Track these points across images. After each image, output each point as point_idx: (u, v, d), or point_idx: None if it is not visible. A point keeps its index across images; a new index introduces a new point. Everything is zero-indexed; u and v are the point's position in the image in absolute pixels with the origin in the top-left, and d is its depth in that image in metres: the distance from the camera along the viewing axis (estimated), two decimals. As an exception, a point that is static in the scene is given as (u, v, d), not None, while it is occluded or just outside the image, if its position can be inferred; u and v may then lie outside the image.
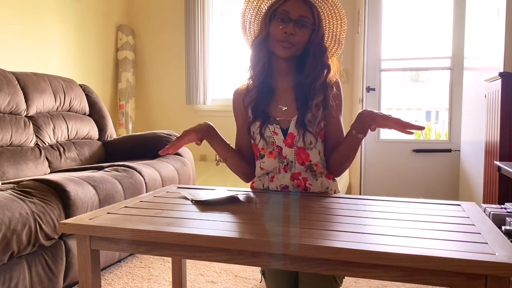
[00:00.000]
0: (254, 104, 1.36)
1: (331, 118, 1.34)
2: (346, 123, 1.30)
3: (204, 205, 1.14)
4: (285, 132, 1.33)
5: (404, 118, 1.14)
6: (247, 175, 1.45)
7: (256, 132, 1.35)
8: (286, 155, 1.33)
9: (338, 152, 1.32)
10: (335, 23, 1.38)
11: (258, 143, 1.35)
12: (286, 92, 1.37)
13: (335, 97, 1.35)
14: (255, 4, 1.37)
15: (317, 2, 1.32)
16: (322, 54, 1.33)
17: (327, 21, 1.37)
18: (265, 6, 1.36)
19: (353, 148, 1.30)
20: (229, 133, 1.61)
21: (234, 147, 1.44)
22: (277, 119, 1.34)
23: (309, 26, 1.29)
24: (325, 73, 1.32)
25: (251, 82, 1.39)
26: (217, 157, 1.42)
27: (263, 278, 1.38)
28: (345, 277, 1.77)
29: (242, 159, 1.44)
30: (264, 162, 1.35)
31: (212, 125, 1.39)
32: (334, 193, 1.35)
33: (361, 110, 1.24)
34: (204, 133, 1.35)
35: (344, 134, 1.38)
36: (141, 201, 1.20)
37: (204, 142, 1.37)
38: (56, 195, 1.63)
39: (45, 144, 2.37)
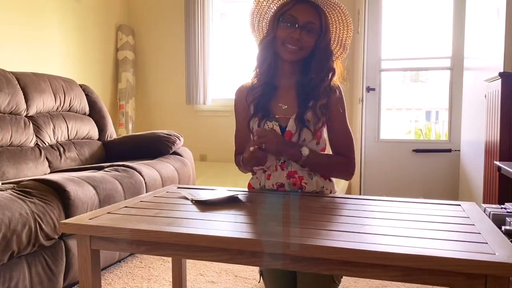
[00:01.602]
0: (256, 101, 1.38)
1: (335, 125, 1.36)
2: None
3: (204, 205, 1.14)
4: (283, 130, 1.34)
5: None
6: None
7: (255, 127, 1.36)
8: None
9: None
10: (342, 29, 1.39)
11: None
12: (288, 91, 1.38)
13: (339, 103, 1.36)
14: (265, 3, 1.38)
15: (325, 7, 1.33)
16: (328, 58, 1.34)
17: (334, 26, 1.38)
18: (274, 6, 1.37)
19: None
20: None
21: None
22: (276, 116, 1.35)
23: (315, 31, 1.31)
24: (330, 76, 1.34)
25: (256, 80, 1.41)
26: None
27: (261, 278, 1.38)
28: (345, 277, 1.77)
29: None
30: None
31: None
32: (330, 192, 1.36)
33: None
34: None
35: (347, 142, 1.38)
36: (141, 201, 1.20)
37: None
38: (56, 195, 1.63)
39: (45, 144, 2.37)
